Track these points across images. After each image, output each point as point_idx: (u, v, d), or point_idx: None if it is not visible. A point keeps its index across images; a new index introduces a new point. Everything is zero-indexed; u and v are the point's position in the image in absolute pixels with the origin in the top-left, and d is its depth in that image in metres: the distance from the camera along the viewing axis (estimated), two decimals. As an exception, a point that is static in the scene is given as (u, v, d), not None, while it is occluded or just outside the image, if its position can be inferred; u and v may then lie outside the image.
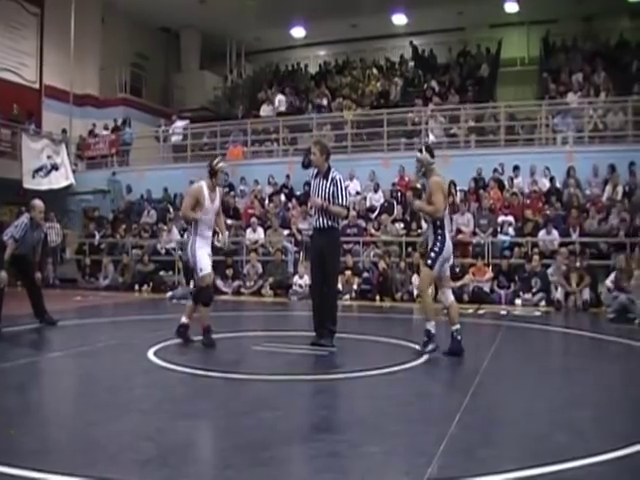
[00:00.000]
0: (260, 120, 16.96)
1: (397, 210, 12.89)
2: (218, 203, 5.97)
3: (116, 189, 16.54)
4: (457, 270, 10.98)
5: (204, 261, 5.76)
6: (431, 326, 5.36)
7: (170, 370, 4.88)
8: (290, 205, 13.92)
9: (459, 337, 5.44)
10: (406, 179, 13.87)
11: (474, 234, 11.86)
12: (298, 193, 14.17)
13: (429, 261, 5.35)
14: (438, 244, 5.35)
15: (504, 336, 7.12)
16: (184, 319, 6.05)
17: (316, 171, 5.97)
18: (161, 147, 17.65)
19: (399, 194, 13.54)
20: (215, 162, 5.84)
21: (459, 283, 10.80)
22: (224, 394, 4.30)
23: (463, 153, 13.75)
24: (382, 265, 11.19)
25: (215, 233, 6.10)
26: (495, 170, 13.10)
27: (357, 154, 14.77)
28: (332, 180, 5.85)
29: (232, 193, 15.01)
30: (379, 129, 15.02)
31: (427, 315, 5.40)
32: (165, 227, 14.07)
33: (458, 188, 12.97)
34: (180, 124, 17.48)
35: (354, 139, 15.46)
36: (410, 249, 11.88)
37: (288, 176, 14.77)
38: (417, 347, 5.57)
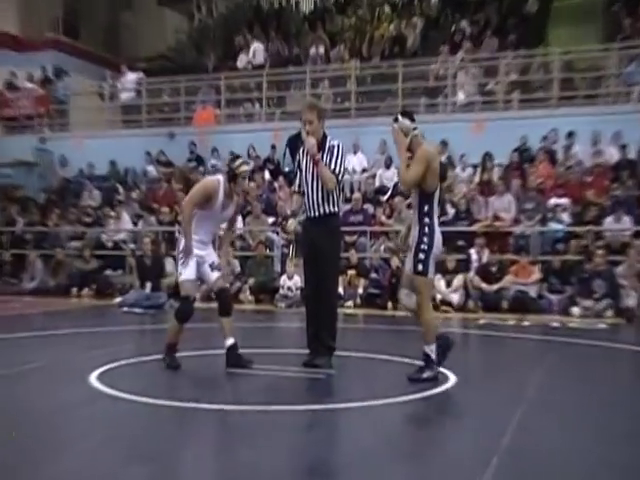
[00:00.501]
0: (237, 74, 16.92)
1: (416, 191, 12.87)
2: (231, 213, 6.06)
3: (46, 161, 16.48)
4: (493, 269, 11.03)
5: (188, 264, 5.81)
6: (431, 350, 5.44)
7: (119, 399, 4.89)
8: (276, 185, 13.90)
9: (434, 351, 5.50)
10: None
11: (516, 222, 11.88)
12: (287, 169, 14.16)
13: (420, 266, 5.37)
14: (426, 239, 5.38)
15: (556, 356, 7.14)
16: (230, 340, 6.02)
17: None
18: (107, 107, 17.59)
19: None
20: (236, 164, 5.87)
21: (496, 286, 10.84)
22: (191, 429, 4.32)
23: (503, 116, 13.77)
24: (395, 263, 11.20)
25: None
26: (545, 138, 13.10)
27: (363, 119, 14.75)
28: (329, 150, 5.89)
29: (201, 169, 14.98)
30: (392, 86, 15.00)
31: (428, 336, 5.46)
32: (113, 213, 14.05)
33: (495, 162, 12.99)
34: (132, 77, 17.42)
35: (360, 99, 15.45)
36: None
37: (274, 147, 14.77)
38: (441, 369, 5.61)
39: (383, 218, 12.47)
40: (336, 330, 6.00)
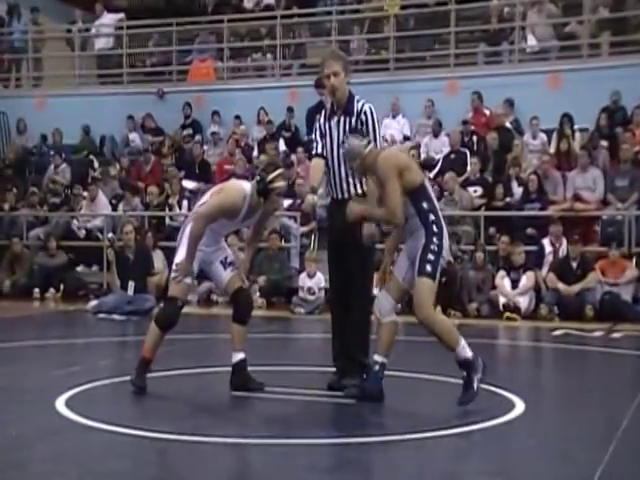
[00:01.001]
0: (244, 16, 16.90)
1: (471, 165, 12.80)
2: (252, 222, 6.09)
3: (-1, 126, 16.59)
4: (574, 265, 10.90)
5: (186, 258, 5.76)
6: (463, 350, 5.50)
7: (93, 429, 4.88)
8: (294, 157, 13.89)
9: (381, 374, 5.60)
10: (487, 113, 13.73)
11: (604, 204, 11.81)
12: (306, 138, 14.12)
13: (428, 267, 5.49)
14: (435, 239, 5.50)
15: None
16: (238, 355, 6.02)
17: (330, 106, 5.99)
18: (77, 58, 17.62)
19: (474, 138, 13.42)
20: (271, 176, 5.74)
21: (577, 287, 10.73)
22: (183, 468, 4.29)
23: (587, 66, 13.65)
24: (446, 257, 11.14)
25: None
26: (645, 94, 12.94)
27: (405, 72, 14.71)
28: (358, 116, 5.88)
29: (198, 137, 14.97)
30: (442, 30, 14.95)
31: (450, 341, 5.54)
32: (86, 193, 14.08)
33: (577, 126, 12.87)
34: (109, 18, 17.43)
35: (400, 48, 15.36)
36: (493, 230, 11.79)
37: (291, 109, 14.76)
38: (504, 393, 5.54)
39: (431, 199, 12.36)
40: (369, 343, 5.98)
